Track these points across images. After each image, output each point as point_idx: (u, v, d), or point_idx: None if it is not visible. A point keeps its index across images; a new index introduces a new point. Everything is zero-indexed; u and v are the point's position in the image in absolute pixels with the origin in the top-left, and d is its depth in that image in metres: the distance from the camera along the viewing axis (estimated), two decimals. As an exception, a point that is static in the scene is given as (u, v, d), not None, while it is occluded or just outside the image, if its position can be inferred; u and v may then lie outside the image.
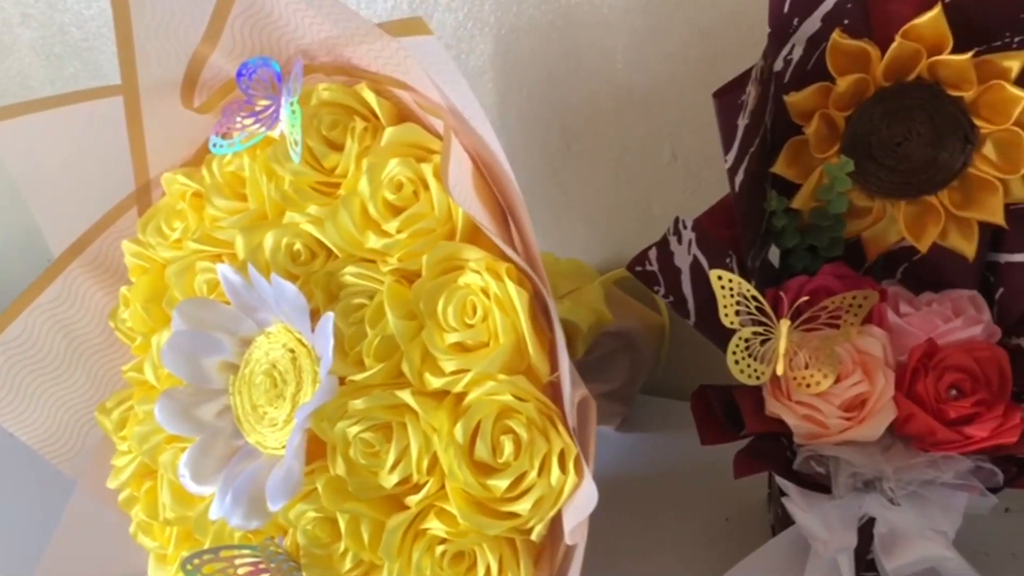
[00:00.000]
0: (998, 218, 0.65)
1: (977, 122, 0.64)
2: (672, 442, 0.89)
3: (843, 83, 0.63)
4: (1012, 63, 0.62)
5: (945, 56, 0.62)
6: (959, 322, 0.65)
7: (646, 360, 0.89)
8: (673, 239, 0.65)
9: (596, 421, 0.56)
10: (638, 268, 0.66)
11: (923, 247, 0.67)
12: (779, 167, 0.67)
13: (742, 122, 0.61)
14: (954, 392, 0.63)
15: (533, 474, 0.54)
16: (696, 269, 0.66)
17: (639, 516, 0.82)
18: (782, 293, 0.67)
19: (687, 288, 0.66)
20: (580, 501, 0.53)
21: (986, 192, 0.65)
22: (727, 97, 0.60)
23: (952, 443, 0.62)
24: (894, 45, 0.62)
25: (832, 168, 0.64)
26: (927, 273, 0.69)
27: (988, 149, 0.65)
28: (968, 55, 0.61)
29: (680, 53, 0.83)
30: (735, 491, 0.81)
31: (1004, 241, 0.67)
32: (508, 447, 0.54)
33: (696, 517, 0.81)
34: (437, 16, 0.88)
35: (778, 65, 0.66)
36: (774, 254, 0.72)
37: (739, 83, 0.61)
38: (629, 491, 0.84)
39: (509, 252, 0.54)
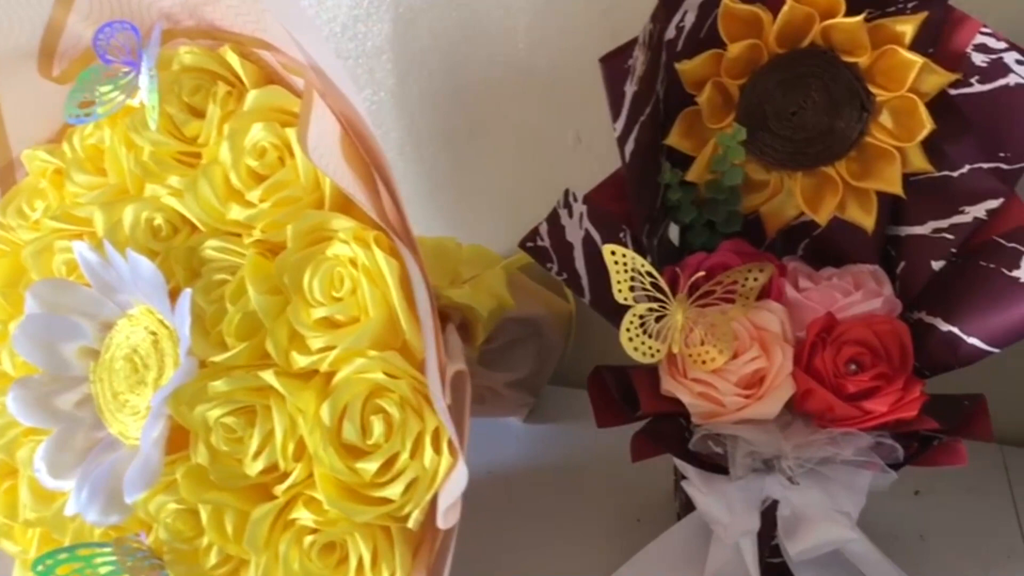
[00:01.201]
0: (896, 188, 0.63)
1: (873, 89, 0.63)
2: (581, 433, 0.86)
3: (734, 49, 0.61)
4: (906, 27, 0.60)
5: (838, 19, 0.60)
6: (858, 296, 0.63)
7: (554, 348, 0.86)
8: (563, 212, 0.62)
9: (471, 396, 0.53)
10: (529, 244, 0.63)
11: (821, 220, 0.65)
12: (673, 139, 0.65)
13: (630, 88, 0.59)
14: (853, 367, 0.61)
15: (405, 456, 0.51)
16: (589, 244, 0.63)
17: (546, 509, 0.78)
18: (678, 269, 0.65)
19: (580, 264, 0.63)
20: (452, 483, 0.50)
21: (884, 161, 0.63)
22: (613, 61, 0.58)
23: (851, 419, 0.60)
24: (785, 9, 0.60)
25: (724, 138, 0.62)
26: (828, 248, 0.67)
27: (885, 117, 0.63)
28: (860, 17, 0.59)
29: (583, 32, 0.80)
30: (645, 482, 0.79)
31: (905, 213, 0.66)
32: (378, 428, 0.51)
33: (605, 508, 0.78)
34: (333, -6, 0.85)
35: (670, 33, 0.64)
36: (677, 232, 0.70)
37: (626, 48, 0.59)
38: (536, 484, 0.81)
39: (377, 219, 0.51)
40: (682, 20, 0.63)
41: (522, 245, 0.64)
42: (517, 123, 0.86)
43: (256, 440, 0.52)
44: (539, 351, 0.85)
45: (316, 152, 0.49)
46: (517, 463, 0.84)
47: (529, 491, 0.80)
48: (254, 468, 0.52)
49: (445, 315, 0.72)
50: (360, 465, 0.50)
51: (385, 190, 0.53)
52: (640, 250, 0.64)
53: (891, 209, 0.66)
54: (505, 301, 0.78)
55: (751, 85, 0.64)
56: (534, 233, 0.62)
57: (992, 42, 0.59)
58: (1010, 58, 0.59)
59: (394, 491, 0.50)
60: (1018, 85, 0.59)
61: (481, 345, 0.78)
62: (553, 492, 0.80)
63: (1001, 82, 0.60)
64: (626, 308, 0.61)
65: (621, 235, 0.64)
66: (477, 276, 0.80)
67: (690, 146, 0.65)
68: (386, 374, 0.51)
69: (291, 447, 0.52)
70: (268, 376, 0.52)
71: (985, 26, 0.59)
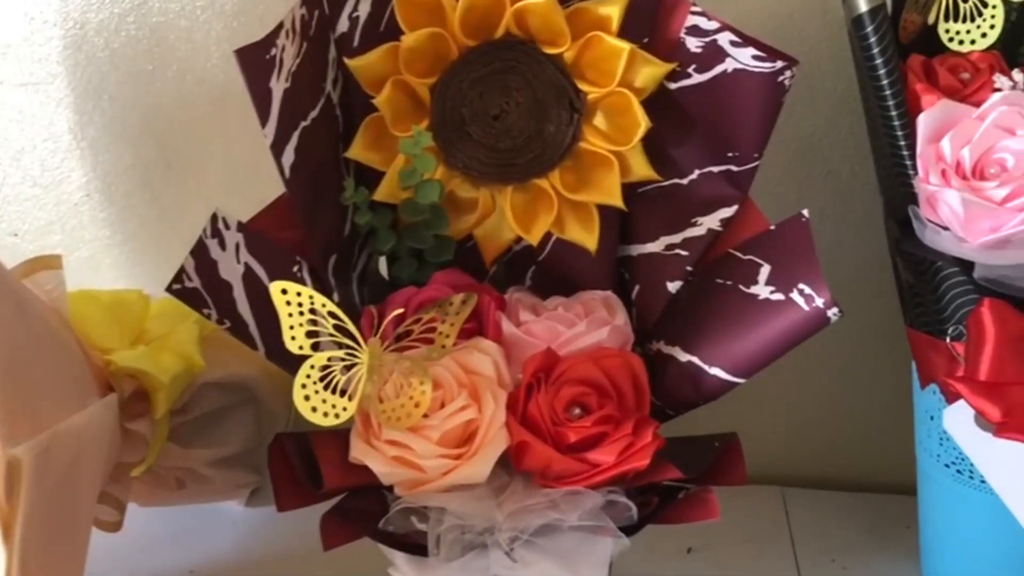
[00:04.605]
0: (615, 199, 0.55)
1: (582, 86, 0.54)
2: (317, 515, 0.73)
3: (411, 40, 0.52)
4: (611, 9, 0.52)
5: (526, 2, 0.51)
6: (583, 326, 0.54)
7: (276, 415, 0.73)
8: (213, 243, 0.50)
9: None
10: (177, 287, 0.50)
11: (533, 239, 0.56)
12: (356, 150, 0.54)
13: (278, 85, 0.48)
14: (578, 411, 0.51)
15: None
16: (252, 282, 0.51)
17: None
18: (374, 309, 0.53)
19: (244, 307, 0.51)
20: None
21: (601, 170, 0.55)
22: (252, 52, 0.47)
23: (575, 475, 0.50)
24: (466, -11, 0.51)
25: (406, 145, 0.52)
26: (558, 275, 0.58)
27: (599, 119, 0.55)
28: (552, -4, 0.50)
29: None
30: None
31: (635, 230, 0.58)
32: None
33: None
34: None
35: (343, 25, 0.53)
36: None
37: (271, 37, 0.48)
38: (258, 580, 0.68)
39: None
40: (355, 9, 0.53)
41: (170, 288, 0.51)
42: (219, 152, 0.74)
43: None
44: (256, 420, 0.72)
45: None
46: (233, 556, 0.70)
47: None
48: None
49: (108, 384, 0.59)
50: None
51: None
52: (322, 286, 0.52)
53: (621, 226, 0.57)
54: (194, 363, 0.65)
55: (442, 85, 0.54)
56: (181, 272, 0.50)
57: (704, 22, 0.52)
58: (724, 39, 0.52)
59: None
60: (736, 71, 0.52)
61: (170, 417, 0.64)
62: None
63: (719, 69, 0.52)
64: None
65: (295, 269, 0.52)
66: (166, 334, 0.67)
67: (379, 159, 0.55)
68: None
69: None
70: None
71: (695, 4, 0.52)
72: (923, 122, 0.53)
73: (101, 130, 0.75)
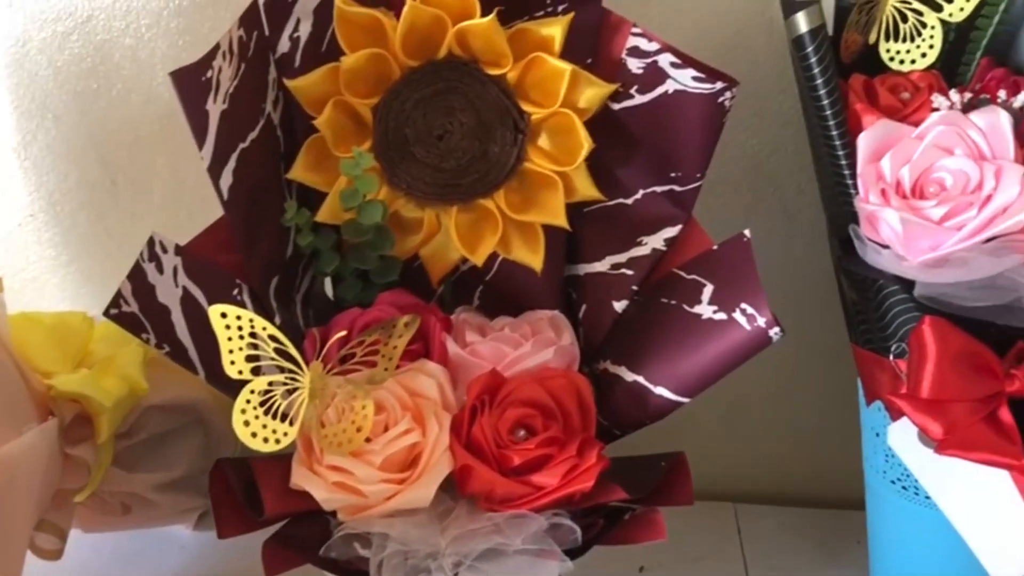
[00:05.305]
0: (560, 219, 0.55)
1: (526, 107, 0.54)
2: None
3: (351, 61, 0.51)
4: (553, 30, 0.52)
5: (468, 22, 0.51)
6: (528, 347, 0.54)
7: (224, 438, 0.72)
8: (150, 267, 0.49)
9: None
10: (114, 311, 0.49)
11: (478, 260, 0.55)
12: (298, 171, 0.54)
13: (215, 107, 0.48)
14: (523, 432, 0.51)
15: None
16: (190, 305, 0.50)
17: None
18: (316, 331, 0.53)
19: (183, 332, 0.50)
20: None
21: (546, 190, 0.55)
22: (188, 74, 0.46)
23: (519, 498, 0.49)
24: (407, 11, 0.50)
25: (347, 166, 0.51)
26: (506, 294, 0.58)
27: (543, 139, 0.55)
28: (490, 18, 0.50)
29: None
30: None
31: (581, 249, 0.58)
32: None
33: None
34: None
35: (284, 46, 0.53)
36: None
37: (207, 59, 0.47)
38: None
39: None
40: (296, 30, 0.52)
41: (107, 313, 0.50)
42: (165, 170, 0.73)
43: None
44: (204, 443, 0.71)
45: None
46: (180, 581, 0.69)
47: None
48: None
49: (49, 409, 0.58)
50: None
51: None
52: (263, 309, 0.52)
53: (567, 245, 0.57)
54: (138, 386, 0.64)
55: (385, 105, 0.54)
56: (118, 297, 0.49)
57: (644, 43, 0.52)
58: (664, 61, 0.52)
59: None
60: (677, 92, 0.52)
61: (115, 441, 0.63)
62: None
63: (660, 90, 0.52)
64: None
65: (235, 292, 0.51)
66: (110, 357, 0.66)
67: (321, 180, 0.54)
68: None
69: None
70: None
71: (635, 25, 0.52)
72: (863, 142, 0.53)
73: (45, 149, 0.73)
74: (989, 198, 0.51)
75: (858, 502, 0.64)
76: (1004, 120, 0.52)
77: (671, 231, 0.55)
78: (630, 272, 0.55)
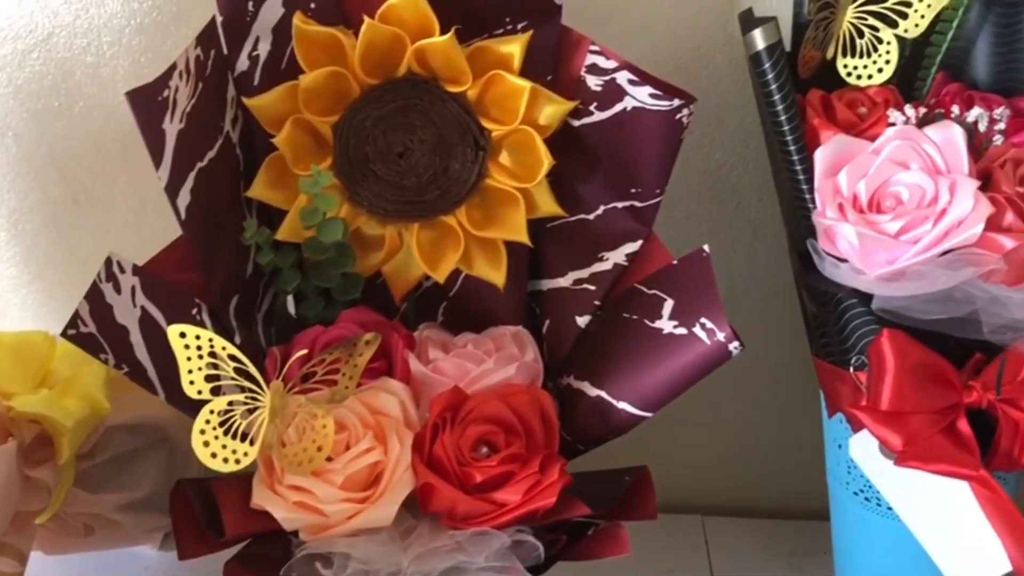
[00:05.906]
0: (521, 235, 0.55)
1: (487, 124, 0.54)
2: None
3: (309, 79, 0.51)
4: (512, 47, 0.53)
5: (427, 40, 0.51)
6: (491, 363, 0.54)
7: (190, 457, 0.71)
8: (107, 287, 0.49)
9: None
10: (72, 332, 0.49)
11: (440, 276, 0.56)
12: (257, 189, 0.54)
13: (172, 126, 0.47)
14: (485, 449, 0.51)
15: None
16: (149, 325, 0.50)
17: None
18: (277, 350, 0.53)
19: (142, 352, 0.50)
20: None
21: (507, 207, 0.55)
22: (144, 95, 0.46)
23: (481, 515, 0.49)
24: (365, 29, 0.50)
25: (306, 184, 0.51)
26: (469, 310, 0.58)
27: (504, 156, 0.55)
28: (448, 36, 0.50)
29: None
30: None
31: (544, 265, 0.58)
32: None
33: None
34: None
35: (243, 64, 0.53)
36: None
37: (163, 79, 0.47)
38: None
39: None
40: (255, 48, 0.53)
41: (64, 334, 0.49)
42: (128, 187, 0.72)
43: None
44: (168, 462, 0.70)
45: None
46: (146, 604, 0.68)
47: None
48: None
49: (7, 431, 0.57)
50: None
51: None
52: (222, 328, 0.52)
53: (531, 261, 0.57)
54: (100, 406, 0.63)
55: (345, 123, 0.54)
56: (75, 317, 0.48)
57: (602, 61, 0.52)
58: (623, 78, 0.52)
59: None
60: (635, 109, 0.52)
61: (77, 462, 0.63)
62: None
63: (618, 107, 0.53)
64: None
65: (194, 312, 0.51)
66: (72, 377, 0.65)
67: (281, 198, 0.54)
68: None
69: None
70: None
71: (594, 43, 0.52)
72: (820, 156, 0.53)
73: (5, 167, 0.73)
74: (944, 212, 0.51)
75: (825, 513, 0.65)
76: (958, 135, 0.53)
77: (632, 246, 0.55)
78: (592, 287, 0.56)
